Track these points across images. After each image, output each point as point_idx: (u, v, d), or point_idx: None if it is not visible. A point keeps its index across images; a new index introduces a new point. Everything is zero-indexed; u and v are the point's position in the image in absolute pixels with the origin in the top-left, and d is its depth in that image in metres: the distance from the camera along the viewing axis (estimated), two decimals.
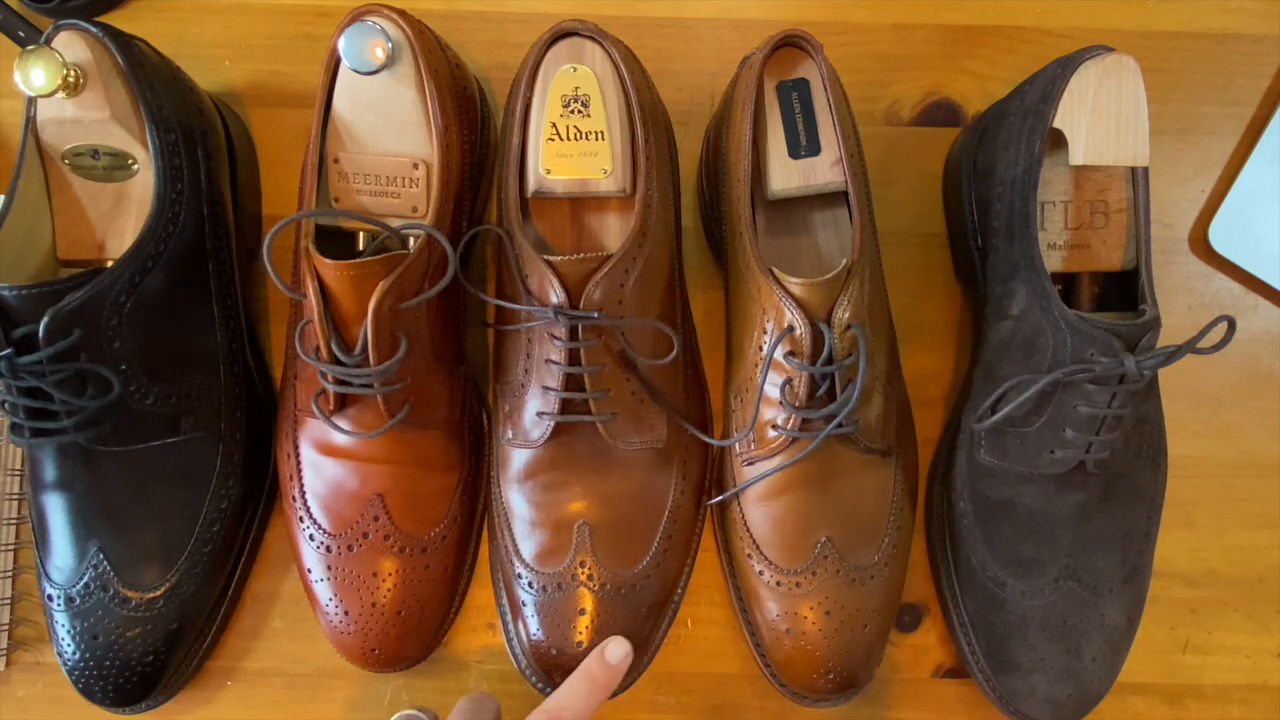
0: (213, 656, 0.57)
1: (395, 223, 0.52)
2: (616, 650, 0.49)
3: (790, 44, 0.52)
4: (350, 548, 0.53)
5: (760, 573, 0.53)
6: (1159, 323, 0.49)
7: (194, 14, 0.63)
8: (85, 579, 0.52)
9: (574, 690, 0.48)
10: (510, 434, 0.54)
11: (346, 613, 0.52)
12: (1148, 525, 0.54)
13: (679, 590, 0.56)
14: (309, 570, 0.53)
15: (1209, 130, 0.63)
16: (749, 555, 0.53)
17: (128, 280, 0.49)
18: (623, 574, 0.53)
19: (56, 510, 0.52)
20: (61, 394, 0.48)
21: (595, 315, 0.49)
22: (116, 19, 0.62)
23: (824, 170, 0.52)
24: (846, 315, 0.48)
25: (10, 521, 0.57)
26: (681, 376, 0.56)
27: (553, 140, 0.51)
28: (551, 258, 0.48)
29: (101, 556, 0.52)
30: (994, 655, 0.54)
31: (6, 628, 0.57)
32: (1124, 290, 0.55)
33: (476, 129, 0.57)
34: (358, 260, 0.47)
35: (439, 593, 0.55)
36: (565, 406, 0.51)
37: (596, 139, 0.51)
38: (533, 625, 0.53)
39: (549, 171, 0.51)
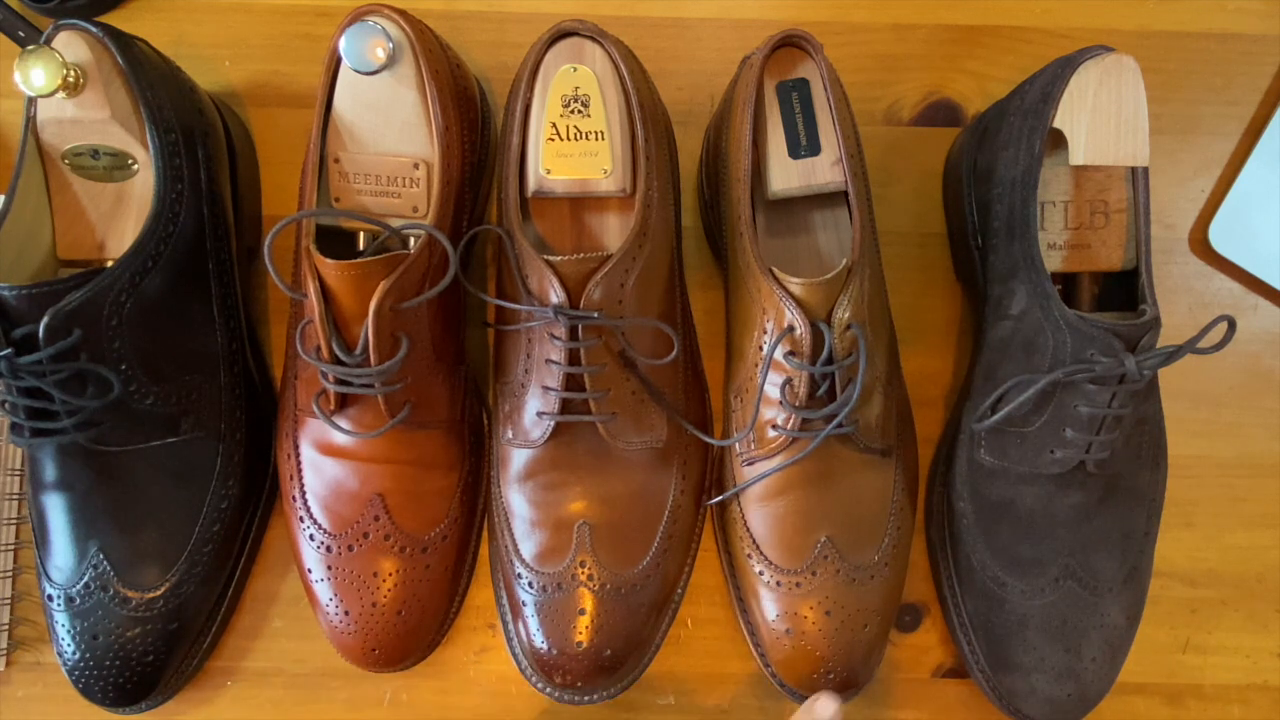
0: (213, 656, 0.57)
1: (396, 223, 0.52)
2: (826, 708, 0.46)
3: (790, 44, 0.52)
4: (350, 548, 0.53)
5: (760, 573, 0.53)
6: (1159, 323, 0.49)
7: (194, 14, 0.63)
8: (85, 579, 0.52)
9: None
10: (510, 434, 0.54)
11: (346, 613, 0.52)
12: (1148, 525, 0.54)
13: (679, 590, 0.56)
14: (309, 570, 0.53)
15: (1209, 130, 0.63)
16: (749, 555, 0.53)
17: (128, 280, 0.49)
18: (623, 574, 0.53)
19: (56, 510, 0.52)
20: (61, 394, 0.48)
21: (595, 315, 0.49)
22: (116, 19, 0.62)
23: (824, 170, 0.52)
24: (846, 315, 0.48)
25: (10, 521, 0.57)
26: (681, 376, 0.56)
27: (553, 140, 0.51)
28: (551, 258, 0.48)
29: (101, 556, 0.52)
30: (994, 655, 0.54)
31: (6, 628, 0.57)
32: (1124, 290, 0.55)
33: (477, 129, 0.57)
34: (359, 260, 0.47)
35: (439, 593, 0.55)
36: (565, 406, 0.51)
37: (596, 139, 0.51)
38: (533, 625, 0.53)
39: (549, 171, 0.51)
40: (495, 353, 0.57)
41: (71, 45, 0.50)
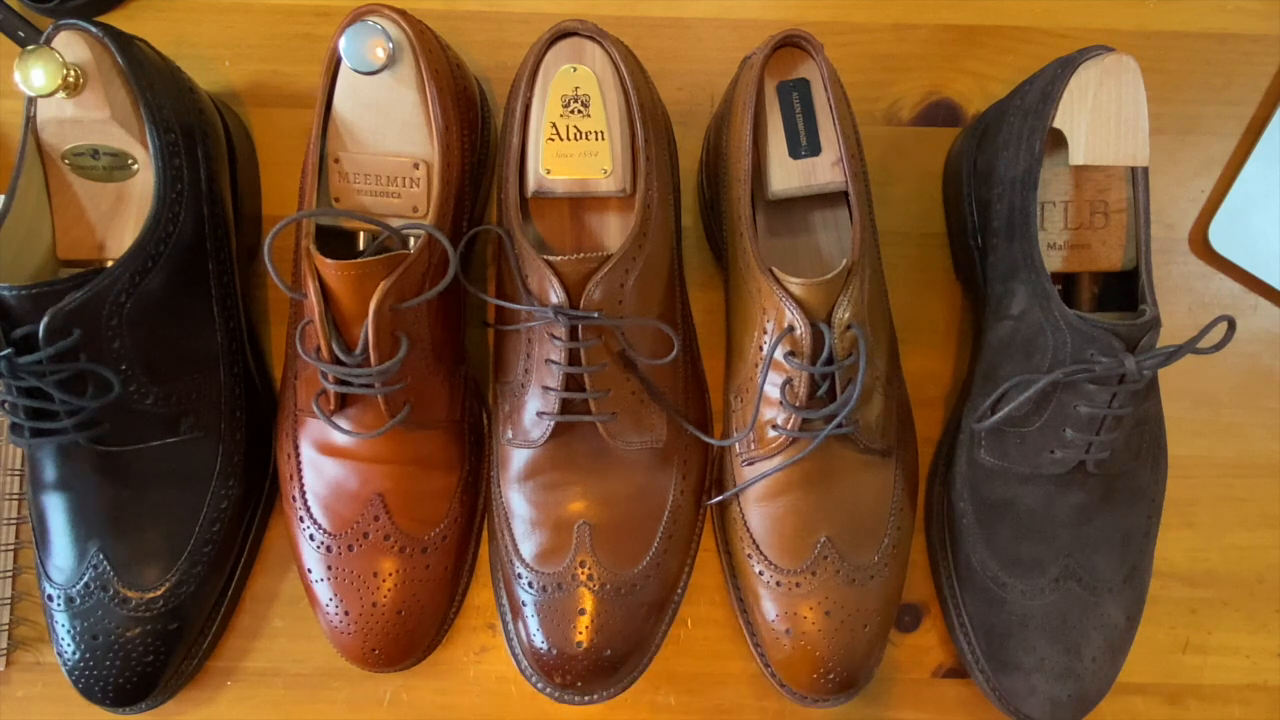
0: (213, 656, 0.57)
1: (396, 223, 0.52)
2: None
3: (790, 44, 0.52)
4: (350, 548, 0.53)
5: (760, 573, 0.53)
6: (1159, 323, 0.49)
7: (194, 14, 0.63)
8: (85, 579, 0.52)
9: None
10: (510, 434, 0.54)
11: (346, 613, 0.53)
12: (1148, 525, 0.54)
13: (679, 590, 0.56)
14: (309, 570, 0.53)
15: (1209, 130, 0.63)
16: (749, 555, 0.53)
17: (128, 280, 0.49)
18: (623, 574, 0.53)
19: (56, 510, 0.52)
20: (61, 394, 0.48)
21: (595, 315, 0.49)
22: (116, 19, 0.62)
23: (824, 170, 0.52)
24: (846, 315, 0.48)
25: (10, 521, 0.57)
26: (681, 376, 0.56)
27: (553, 140, 0.51)
28: (551, 258, 0.48)
29: (101, 556, 0.52)
30: (994, 655, 0.54)
31: (6, 628, 0.57)
32: (1124, 290, 0.55)
33: (476, 129, 0.57)
34: (359, 260, 0.47)
35: (439, 593, 0.55)
36: (565, 406, 0.51)
37: (596, 139, 0.51)
38: (533, 625, 0.53)
39: (549, 171, 0.51)
40: (495, 353, 0.57)
41: (71, 45, 0.50)
